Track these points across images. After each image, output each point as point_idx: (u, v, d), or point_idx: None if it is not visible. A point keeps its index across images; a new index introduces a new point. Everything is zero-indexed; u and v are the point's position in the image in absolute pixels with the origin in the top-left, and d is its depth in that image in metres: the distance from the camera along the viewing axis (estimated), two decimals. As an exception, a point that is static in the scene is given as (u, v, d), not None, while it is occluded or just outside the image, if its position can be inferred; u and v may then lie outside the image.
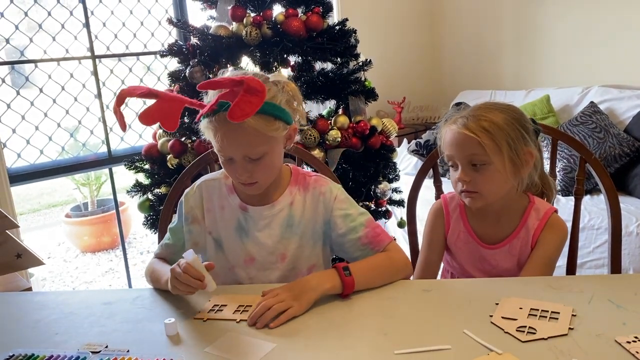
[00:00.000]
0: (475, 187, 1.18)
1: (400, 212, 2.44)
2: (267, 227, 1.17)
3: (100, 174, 4.40)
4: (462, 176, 1.19)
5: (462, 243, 1.29)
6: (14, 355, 0.93)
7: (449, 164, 1.24)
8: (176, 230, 1.23)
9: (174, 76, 2.03)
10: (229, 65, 2.03)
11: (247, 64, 2.06)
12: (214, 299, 1.08)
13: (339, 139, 1.97)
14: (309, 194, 1.19)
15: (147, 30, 2.81)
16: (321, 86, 1.99)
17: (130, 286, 2.89)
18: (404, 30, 3.80)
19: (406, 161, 3.24)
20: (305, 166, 1.64)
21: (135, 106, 2.86)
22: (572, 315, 0.92)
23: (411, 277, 1.19)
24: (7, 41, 2.46)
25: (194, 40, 2.03)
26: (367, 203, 2.14)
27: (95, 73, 2.60)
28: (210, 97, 1.09)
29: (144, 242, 4.25)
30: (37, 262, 1.74)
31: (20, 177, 2.45)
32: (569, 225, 1.34)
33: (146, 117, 0.98)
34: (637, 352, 0.80)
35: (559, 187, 2.52)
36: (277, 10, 2.07)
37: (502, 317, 0.93)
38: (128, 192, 2.10)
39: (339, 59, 2.10)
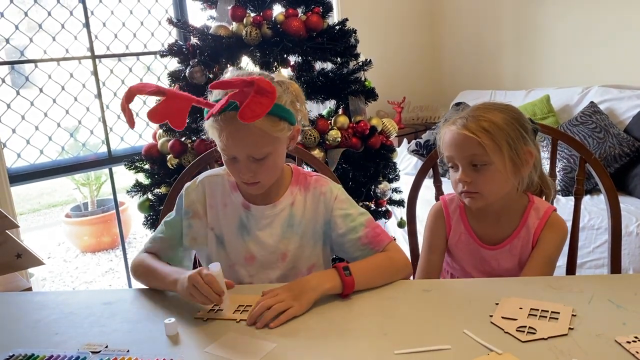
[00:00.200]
0: (476, 188, 1.18)
1: (400, 212, 2.44)
2: (268, 226, 1.18)
3: (100, 174, 4.40)
4: (462, 177, 1.18)
5: (463, 245, 1.29)
6: (14, 355, 0.93)
7: (448, 165, 1.24)
8: (173, 224, 1.22)
9: (174, 76, 2.03)
10: (229, 65, 2.03)
11: (247, 64, 2.06)
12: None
13: (339, 139, 1.97)
14: (310, 193, 1.19)
15: (147, 30, 2.81)
16: (321, 86, 1.99)
17: (130, 286, 2.89)
18: (404, 30, 3.80)
19: (406, 161, 3.24)
20: (305, 166, 1.64)
21: (135, 106, 2.86)
22: (572, 315, 0.92)
23: (411, 278, 1.19)
24: (7, 41, 2.46)
25: (194, 40, 2.04)
26: (367, 203, 2.14)
27: (95, 73, 2.60)
28: (214, 96, 1.09)
29: (144, 242, 4.24)
30: (37, 262, 1.74)
31: (20, 177, 2.45)
32: (569, 225, 1.34)
33: (155, 115, 0.98)
34: (637, 352, 0.80)
35: (558, 187, 2.52)
36: (277, 10, 2.07)
37: (502, 317, 0.93)
38: (128, 192, 2.10)
39: (339, 59, 2.10)
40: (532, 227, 1.23)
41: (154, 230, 2.02)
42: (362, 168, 2.05)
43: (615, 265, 1.37)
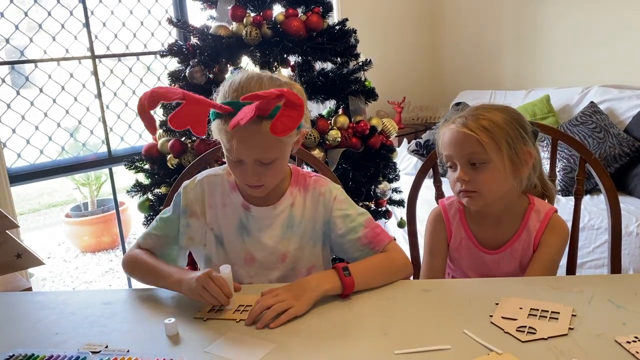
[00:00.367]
0: (474, 187, 1.18)
1: (400, 212, 2.44)
2: (268, 227, 1.17)
3: (100, 174, 4.40)
4: (461, 175, 1.18)
5: (464, 250, 1.28)
6: (14, 355, 0.93)
7: (447, 164, 1.23)
8: (169, 221, 1.21)
9: (174, 76, 2.03)
10: (229, 65, 2.03)
11: (247, 64, 2.06)
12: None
13: (339, 139, 1.97)
14: (309, 194, 1.19)
15: (147, 30, 2.81)
16: (321, 86, 1.99)
17: (130, 286, 2.89)
18: (404, 30, 3.80)
19: (406, 161, 3.24)
20: (305, 166, 1.64)
21: (135, 105, 2.86)
22: (572, 315, 0.92)
23: (411, 278, 1.19)
24: (7, 41, 2.47)
25: (194, 40, 2.03)
26: (367, 203, 2.14)
27: (95, 73, 2.60)
28: (221, 97, 1.07)
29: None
30: (37, 262, 1.74)
31: (20, 177, 2.45)
32: (569, 225, 1.34)
33: (176, 121, 0.97)
34: (637, 352, 0.80)
35: (558, 187, 2.52)
36: (277, 10, 2.07)
37: (502, 317, 0.93)
38: (128, 192, 2.10)
39: (339, 59, 2.10)
40: (533, 229, 1.22)
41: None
42: (362, 168, 2.05)
43: (615, 265, 1.37)
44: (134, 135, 2.91)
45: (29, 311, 1.11)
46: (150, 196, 2.07)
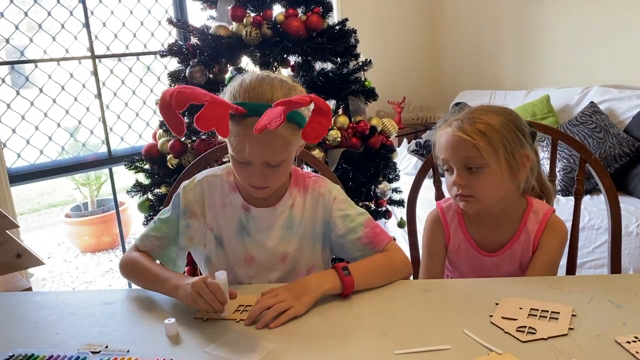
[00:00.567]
0: (470, 191, 1.17)
1: (400, 212, 2.44)
2: (268, 228, 1.17)
3: (100, 174, 4.40)
4: (457, 180, 1.17)
5: (463, 253, 1.28)
6: (14, 355, 0.93)
7: (443, 168, 1.23)
8: (168, 222, 1.20)
9: (174, 76, 2.03)
10: (229, 65, 2.03)
11: (247, 64, 2.06)
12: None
13: (339, 139, 1.97)
14: (309, 195, 1.19)
15: (147, 30, 2.81)
16: (321, 86, 1.99)
17: (130, 286, 2.89)
18: (404, 30, 3.80)
19: (406, 161, 3.24)
20: (305, 166, 1.64)
21: (135, 105, 2.86)
22: (572, 315, 0.92)
23: (411, 277, 1.19)
24: (7, 41, 2.47)
25: (194, 40, 2.03)
26: (367, 203, 2.14)
27: (95, 73, 2.60)
28: (230, 97, 1.06)
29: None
30: (37, 262, 1.74)
31: (20, 177, 2.45)
32: (569, 225, 1.34)
33: (202, 123, 0.94)
34: (637, 352, 0.80)
35: (558, 187, 2.53)
36: (277, 10, 2.07)
37: (502, 317, 0.93)
38: (128, 192, 2.10)
39: (339, 59, 2.10)
40: (532, 231, 1.22)
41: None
42: (362, 168, 2.05)
43: (615, 265, 1.37)
44: (134, 135, 2.91)
45: (29, 311, 1.11)
46: (150, 196, 2.07)
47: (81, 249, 4.17)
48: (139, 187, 2.07)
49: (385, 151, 2.13)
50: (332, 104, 2.15)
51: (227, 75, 2.03)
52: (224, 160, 1.67)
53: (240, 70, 2.00)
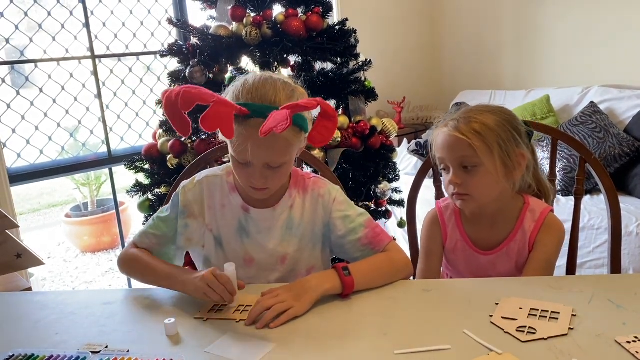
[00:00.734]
0: (466, 190, 1.18)
1: (400, 212, 2.44)
2: (268, 229, 1.17)
3: (100, 174, 4.40)
4: (453, 179, 1.18)
5: (459, 252, 1.29)
6: (14, 355, 0.93)
7: (440, 167, 1.24)
8: (167, 221, 1.20)
9: (174, 76, 2.03)
10: (229, 65, 2.03)
11: (247, 64, 2.06)
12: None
13: (339, 139, 1.97)
14: (308, 196, 1.19)
15: (147, 30, 2.81)
16: (321, 86, 1.99)
17: (130, 286, 2.89)
18: (404, 30, 3.80)
19: (406, 161, 3.24)
20: (305, 166, 1.64)
21: (135, 105, 2.86)
22: (572, 315, 0.92)
23: (411, 278, 1.19)
24: (7, 41, 2.47)
25: (194, 40, 2.03)
26: (367, 203, 2.14)
27: (95, 73, 2.60)
28: (232, 97, 1.06)
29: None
30: (37, 262, 1.74)
31: (20, 177, 2.45)
32: (569, 225, 1.34)
33: (208, 123, 0.93)
34: (637, 352, 0.80)
35: (558, 187, 2.53)
36: (277, 10, 2.07)
37: (502, 317, 0.93)
38: (128, 192, 2.10)
39: (339, 59, 2.10)
40: (528, 230, 1.22)
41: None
42: (362, 168, 2.05)
43: (615, 265, 1.37)
44: (134, 135, 2.91)
45: (29, 311, 1.11)
46: (150, 196, 2.07)
47: (81, 249, 4.17)
48: (139, 187, 2.07)
49: (385, 151, 2.13)
50: (332, 104, 2.14)
51: (227, 75, 2.03)
52: (224, 160, 1.67)
53: (240, 71, 2.00)
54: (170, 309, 1.07)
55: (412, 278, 1.20)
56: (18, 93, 2.51)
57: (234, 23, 2.00)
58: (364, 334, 0.93)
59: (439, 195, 1.50)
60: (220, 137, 1.09)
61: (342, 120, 2.02)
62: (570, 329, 0.88)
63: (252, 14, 1.99)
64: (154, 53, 2.80)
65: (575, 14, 3.17)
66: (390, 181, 2.19)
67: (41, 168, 2.52)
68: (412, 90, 3.85)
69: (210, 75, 2.01)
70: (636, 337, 0.84)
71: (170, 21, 2.09)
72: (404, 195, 2.11)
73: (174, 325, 0.97)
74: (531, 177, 1.24)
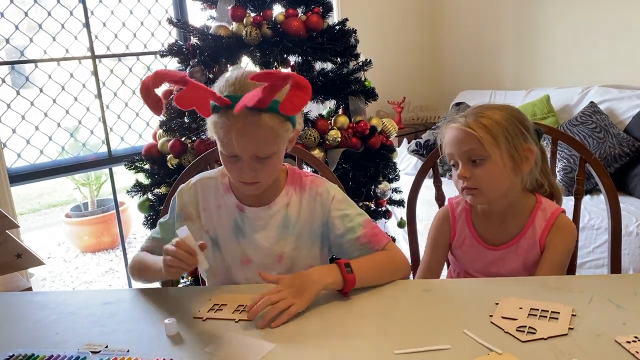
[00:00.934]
0: (475, 183, 1.19)
1: (400, 212, 2.44)
2: (263, 228, 1.17)
3: (100, 174, 4.40)
4: (462, 172, 1.20)
5: (467, 248, 1.29)
6: (14, 355, 0.93)
7: (450, 163, 1.25)
8: (167, 226, 1.22)
9: (174, 76, 2.03)
10: (229, 66, 2.03)
11: (247, 64, 2.06)
12: (214, 298, 1.09)
13: (339, 139, 1.97)
14: (306, 194, 1.19)
15: (147, 30, 2.81)
16: (321, 86, 1.99)
17: (130, 286, 2.89)
18: (404, 30, 3.80)
19: (406, 161, 3.24)
20: (305, 166, 1.64)
21: (135, 105, 2.86)
22: (572, 315, 0.92)
23: (411, 276, 1.19)
24: (7, 41, 2.47)
25: (194, 40, 2.03)
26: (367, 203, 2.14)
27: (95, 73, 2.60)
28: (218, 90, 1.06)
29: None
30: (37, 262, 1.74)
31: (20, 177, 2.45)
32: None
33: (182, 101, 0.98)
34: (637, 352, 0.80)
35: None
36: (277, 10, 2.06)
37: (502, 317, 0.93)
38: (128, 192, 2.10)
39: (339, 59, 2.10)
40: (539, 228, 1.23)
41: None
42: (362, 168, 2.05)
43: (615, 265, 1.37)
44: (134, 135, 2.91)
45: (29, 311, 1.11)
46: (150, 196, 2.07)
47: (81, 249, 4.17)
48: (139, 187, 2.07)
49: (385, 151, 2.13)
50: (332, 104, 2.15)
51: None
52: (223, 160, 1.67)
53: (240, 70, 2.00)
54: (170, 309, 1.07)
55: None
56: (18, 93, 2.51)
57: (234, 23, 1.99)
58: (364, 334, 0.93)
59: (438, 195, 1.50)
60: (211, 136, 1.10)
61: (342, 120, 2.02)
62: (570, 328, 0.88)
63: (252, 14, 1.99)
64: (154, 53, 2.80)
65: (575, 14, 3.17)
66: (390, 181, 2.19)
67: (41, 168, 2.52)
68: (412, 90, 3.85)
69: (211, 75, 2.00)
70: (636, 337, 0.84)
71: (170, 21, 2.09)
72: (404, 195, 2.11)
73: (174, 325, 0.97)
74: (540, 173, 1.26)
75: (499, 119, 1.17)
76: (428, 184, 1.48)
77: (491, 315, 0.94)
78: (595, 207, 2.35)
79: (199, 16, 2.20)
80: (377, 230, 1.18)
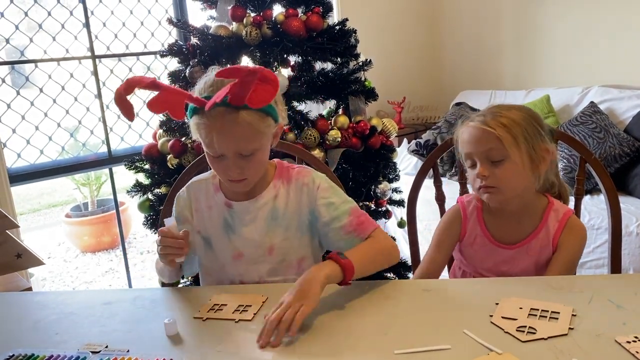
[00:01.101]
0: (493, 182, 1.19)
1: (400, 212, 2.44)
2: (252, 221, 1.18)
3: (100, 174, 4.40)
4: (481, 171, 1.19)
5: (478, 246, 1.29)
6: (14, 355, 0.93)
7: (467, 163, 1.24)
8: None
9: (174, 76, 2.03)
10: (229, 66, 2.03)
11: (247, 64, 2.06)
12: (214, 298, 1.09)
13: (339, 139, 1.97)
14: (292, 185, 1.19)
15: (147, 30, 2.81)
16: (321, 86, 1.99)
17: (130, 286, 2.89)
18: (404, 30, 3.80)
19: (406, 161, 3.24)
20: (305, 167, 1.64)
21: (136, 106, 2.86)
22: (572, 315, 0.92)
23: (410, 275, 1.19)
24: (7, 41, 2.47)
25: (194, 40, 2.03)
26: (367, 203, 2.14)
27: (95, 73, 2.60)
28: (198, 93, 1.09)
29: (144, 242, 4.25)
30: (37, 262, 1.74)
31: (20, 177, 2.45)
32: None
33: (154, 106, 1.01)
34: (637, 352, 0.80)
35: (559, 187, 2.53)
36: (277, 10, 2.06)
37: (502, 317, 0.93)
38: (128, 192, 2.10)
39: (339, 59, 2.10)
40: (552, 229, 1.23)
41: (154, 231, 2.04)
42: (362, 168, 2.05)
43: (615, 265, 1.37)
44: (134, 135, 2.91)
45: (29, 311, 1.11)
46: (150, 196, 2.06)
47: (81, 249, 4.17)
48: (139, 187, 2.07)
49: (385, 151, 2.12)
50: (332, 104, 2.15)
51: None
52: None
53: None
54: (170, 309, 1.07)
55: (410, 275, 1.20)
56: (18, 93, 2.51)
57: (234, 23, 1.99)
58: (364, 334, 0.93)
59: (439, 195, 1.50)
60: (196, 138, 1.11)
61: (342, 120, 2.01)
62: (570, 328, 0.88)
63: (252, 14, 1.99)
64: (154, 53, 2.80)
65: (575, 14, 3.17)
66: (390, 181, 2.19)
67: (41, 168, 2.52)
68: (412, 90, 3.84)
69: (210, 75, 2.00)
70: (636, 337, 0.84)
71: (170, 21, 2.09)
72: (404, 195, 2.11)
73: (174, 325, 0.97)
74: (554, 174, 1.26)
75: (517, 119, 1.17)
76: (428, 184, 1.48)
77: (491, 315, 0.94)
78: (595, 207, 2.35)
79: (199, 16, 2.19)
80: (364, 217, 1.17)
